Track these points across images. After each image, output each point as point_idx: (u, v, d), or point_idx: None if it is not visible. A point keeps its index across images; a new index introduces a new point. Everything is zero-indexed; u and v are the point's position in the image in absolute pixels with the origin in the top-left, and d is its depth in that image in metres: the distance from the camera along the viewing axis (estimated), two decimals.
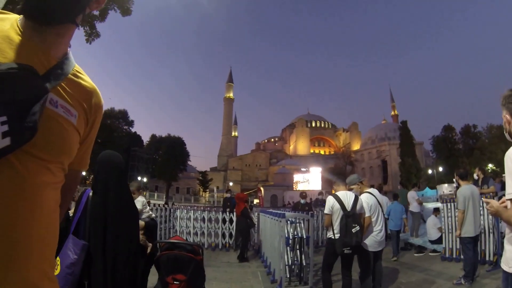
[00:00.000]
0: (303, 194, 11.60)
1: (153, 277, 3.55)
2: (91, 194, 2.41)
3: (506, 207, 2.07)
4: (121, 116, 61.54)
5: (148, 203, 11.49)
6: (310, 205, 12.29)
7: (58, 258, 2.07)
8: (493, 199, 7.12)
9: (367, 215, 5.04)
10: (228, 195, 12.88)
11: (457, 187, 6.96)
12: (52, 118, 0.93)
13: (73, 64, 1.06)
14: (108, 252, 2.30)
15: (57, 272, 2.12)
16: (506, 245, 2.14)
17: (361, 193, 5.43)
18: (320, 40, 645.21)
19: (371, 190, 5.54)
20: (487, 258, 7.24)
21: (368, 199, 5.24)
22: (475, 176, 9.55)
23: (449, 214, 8.33)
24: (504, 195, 2.08)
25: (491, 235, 7.27)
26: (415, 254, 9.32)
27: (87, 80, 1.11)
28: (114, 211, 2.35)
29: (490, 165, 47.65)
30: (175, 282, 3.09)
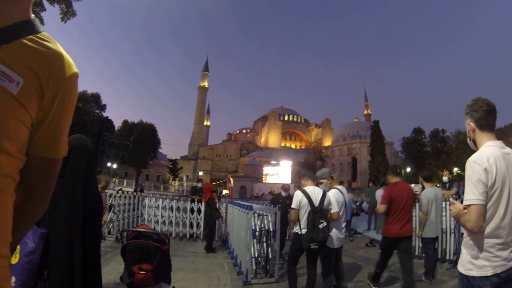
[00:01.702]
0: (285, 186, 10.18)
1: (120, 266, 3.51)
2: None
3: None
4: (94, 100, 60.00)
5: (121, 190, 11.33)
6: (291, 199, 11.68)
7: (18, 247, 2.01)
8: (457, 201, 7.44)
9: (335, 210, 5.10)
10: (199, 184, 12.70)
11: (422, 189, 7.18)
12: None
13: (34, 30, 0.90)
14: (70, 239, 2.24)
15: (15, 261, 2.07)
16: (463, 248, 2.25)
17: (330, 188, 5.46)
18: (298, 39, 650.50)
19: (340, 187, 5.62)
20: (447, 257, 7.58)
21: (337, 195, 5.28)
22: (445, 178, 9.85)
23: (414, 213, 8.57)
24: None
25: (452, 235, 7.59)
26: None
27: (49, 45, 0.91)
28: (80, 199, 2.29)
29: (455, 169, 49.39)
30: (141, 272, 3.07)
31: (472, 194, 2.06)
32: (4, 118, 0.80)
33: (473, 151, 2.30)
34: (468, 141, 2.38)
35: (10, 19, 0.86)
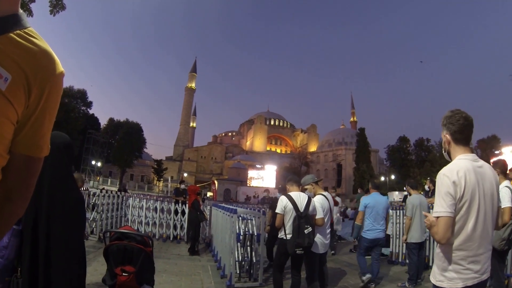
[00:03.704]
0: (279, 186, 9.53)
1: (102, 267, 3.44)
2: None
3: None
4: (80, 96, 59.30)
5: (104, 189, 11.16)
6: None
7: None
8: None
9: (320, 216, 5.11)
10: (182, 186, 12.61)
11: (407, 196, 7.31)
12: None
13: (21, 25, 0.87)
14: (39, 238, 2.18)
15: None
16: (435, 260, 2.29)
17: (315, 194, 5.48)
18: (286, 46, 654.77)
19: (326, 193, 5.63)
20: (430, 264, 7.65)
21: (323, 201, 5.30)
22: (426, 187, 10.02)
23: (398, 221, 8.69)
24: None
25: (435, 242, 7.65)
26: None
27: (36, 42, 0.89)
28: (47, 195, 2.22)
29: None
30: (123, 274, 3.02)
31: (441, 206, 2.08)
32: None
33: None
34: (443, 152, 2.40)
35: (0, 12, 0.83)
